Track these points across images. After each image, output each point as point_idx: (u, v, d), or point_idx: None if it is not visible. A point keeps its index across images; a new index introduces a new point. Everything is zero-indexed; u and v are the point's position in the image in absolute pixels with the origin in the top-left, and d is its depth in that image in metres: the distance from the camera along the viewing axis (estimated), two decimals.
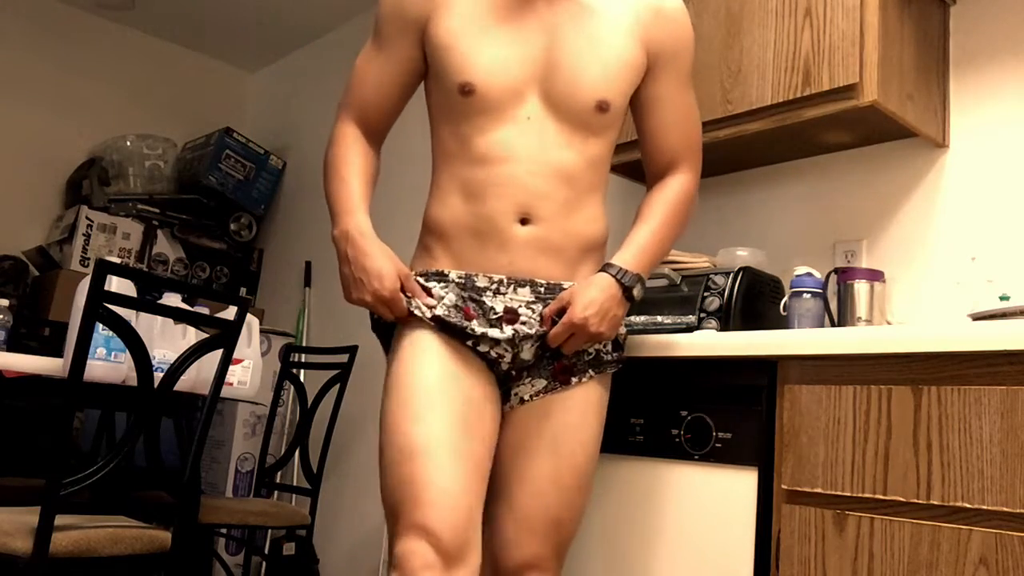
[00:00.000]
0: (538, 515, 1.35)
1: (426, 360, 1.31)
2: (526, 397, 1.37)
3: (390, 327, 1.41)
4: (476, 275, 1.35)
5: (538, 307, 1.36)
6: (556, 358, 1.37)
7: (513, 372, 1.36)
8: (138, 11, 3.89)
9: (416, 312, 1.33)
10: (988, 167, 1.77)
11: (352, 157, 1.43)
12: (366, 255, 1.32)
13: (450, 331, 1.33)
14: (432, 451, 1.24)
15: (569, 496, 1.36)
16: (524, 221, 1.35)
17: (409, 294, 1.34)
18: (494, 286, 1.35)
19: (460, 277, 1.35)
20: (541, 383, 1.37)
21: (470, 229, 1.35)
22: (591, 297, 1.32)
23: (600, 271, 1.37)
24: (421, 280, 1.37)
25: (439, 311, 1.33)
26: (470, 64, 1.34)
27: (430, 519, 1.20)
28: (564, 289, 1.37)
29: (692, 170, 1.49)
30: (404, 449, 1.25)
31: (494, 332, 1.32)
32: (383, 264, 1.32)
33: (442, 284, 1.35)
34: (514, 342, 1.33)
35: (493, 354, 1.34)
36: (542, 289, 1.36)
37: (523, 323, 1.34)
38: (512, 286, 1.35)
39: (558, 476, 1.35)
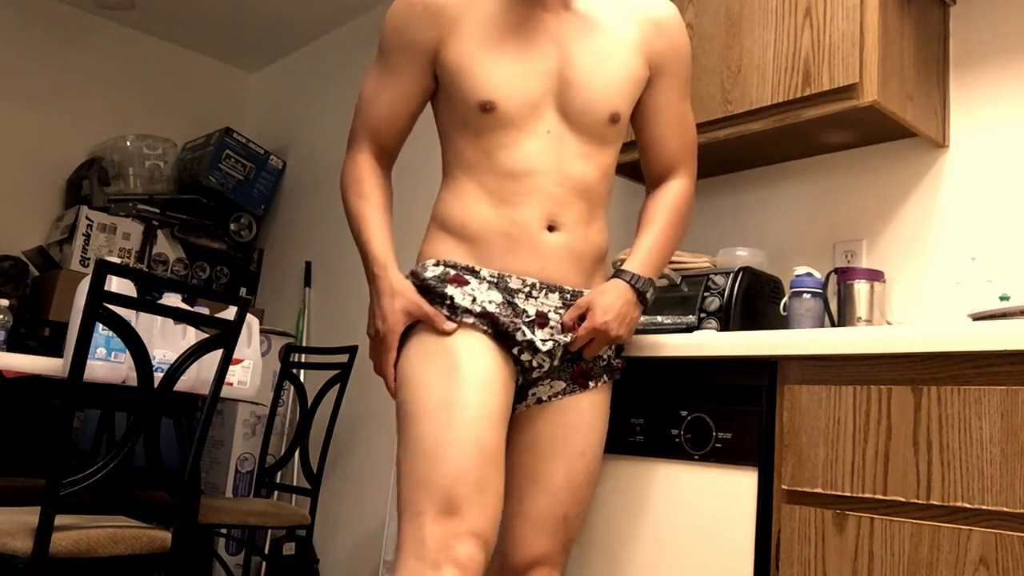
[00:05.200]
0: (550, 513, 1.38)
1: (487, 354, 1.30)
2: (544, 398, 1.40)
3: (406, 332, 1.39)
4: (509, 276, 1.36)
5: (563, 312, 1.39)
6: (575, 362, 1.41)
7: (537, 375, 1.38)
8: (138, 11, 3.89)
9: (463, 302, 1.32)
10: (988, 167, 1.77)
11: (368, 190, 1.43)
12: (379, 293, 1.36)
13: (496, 330, 1.32)
14: (500, 463, 1.25)
15: (579, 494, 1.40)
16: (551, 228, 1.38)
17: (429, 317, 1.32)
18: (527, 289, 1.37)
19: (492, 276, 1.36)
20: (560, 385, 1.40)
21: (502, 233, 1.36)
22: (609, 303, 1.37)
23: (613, 277, 1.42)
24: (451, 270, 1.36)
25: (491, 308, 1.32)
26: (489, 82, 1.35)
27: (489, 531, 1.21)
28: (582, 296, 1.41)
29: (690, 174, 1.54)
30: (484, 452, 1.22)
31: (539, 342, 1.34)
32: (388, 305, 1.34)
33: (477, 279, 1.36)
34: (552, 352, 1.36)
35: (535, 363, 1.35)
36: (568, 296, 1.40)
37: (551, 328, 1.37)
38: (544, 291, 1.38)
39: (571, 476, 1.39)
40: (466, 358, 1.29)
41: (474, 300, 1.32)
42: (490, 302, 1.33)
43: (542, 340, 1.35)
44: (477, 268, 1.36)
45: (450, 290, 1.33)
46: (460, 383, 1.26)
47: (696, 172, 1.56)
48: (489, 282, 1.35)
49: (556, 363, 1.38)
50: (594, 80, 1.40)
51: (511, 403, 1.34)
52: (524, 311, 1.35)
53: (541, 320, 1.37)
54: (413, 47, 1.41)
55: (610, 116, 1.41)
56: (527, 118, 1.37)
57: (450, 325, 1.31)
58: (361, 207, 1.41)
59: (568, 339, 1.37)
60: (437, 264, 1.38)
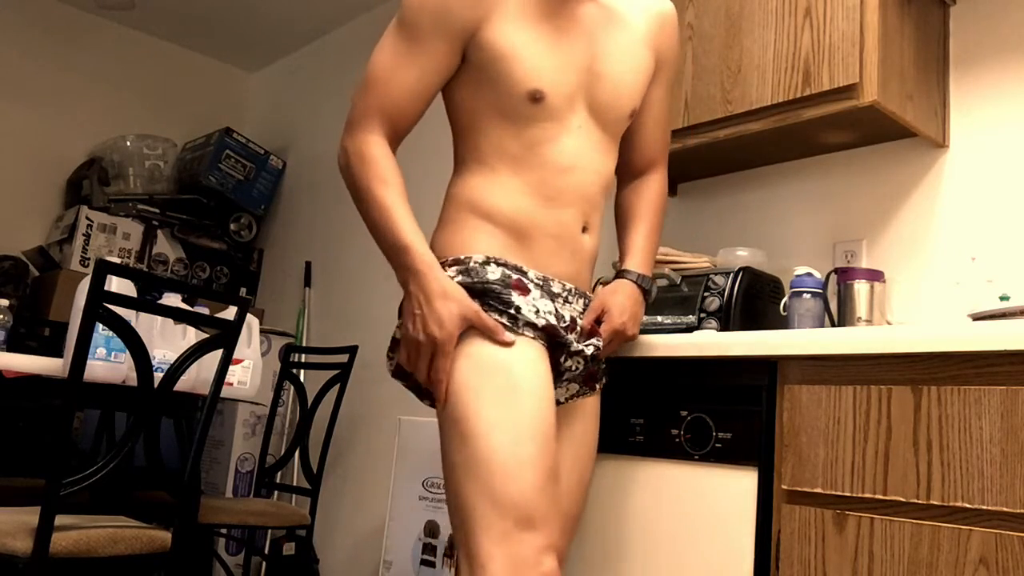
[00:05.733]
0: (562, 511, 1.38)
1: (544, 370, 1.27)
2: (561, 399, 1.40)
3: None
4: (552, 280, 1.35)
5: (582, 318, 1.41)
6: (588, 365, 1.41)
7: (564, 376, 1.39)
8: (138, 11, 3.89)
9: (529, 315, 1.27)
10: (988, 167, 1.77)
11: (389, 177, 1.31)
12: (430, 295, 1.25)
13: (552, 341, 1.31)
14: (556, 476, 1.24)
15: (583, 491, 1.43)
16: (584, 229, 1.38)
17: (489, 329, 1.25)
18: (564, 293, 1.37)
19: (539, 278, 1.34)
20: (574, 388, 1.41)
21: (548, 232, 1.34)
22: (623, 304, 1.40)
23: (619, 278, 1.44)
24: (511, 273, 1.30)
25: (552, 319, 1.30)
26: (537, 72, 1.31)
27: (558, 542, 1.23)
28: (592, 299, 1.43)
29: (666, 168, 1.59)
30: (553, 467, 1.21)
31: (585, 349, 1.35)
32: (444, 310, 1.24)
33: (532, 284, 1.32)
34: (587, 359, 1.36)
35: (573, 366, 1.35)
36: (586, 302, 1.42)
37: (577, 332, 1.38)
38: (576, 296, 1.39)
39: (580, 474, 1.41)
40: (526, 373, 1.25)
41: (537, 312, 1.29)
42: (549, 312, 1.31)
43: (585, 345, 1.35)
44: (525, 269, 1.33)
45: (516, 299, 1.28)
46: (524, 398, 1.22)
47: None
48: (537, 285, 1.33)
49: (587, 367, 1.38)
50: (622, 75, 1.39)
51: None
52: (562, 316, 1.35)
53: (572, 325, 1.37)
54: (449, 23, 1.30)
55: (631, 112, 1.43)
56: (565, 111, 1.34)
57: (509, 337, 1.25)
58: (383, 193, 1.29)
59: (601, 344, 1.38)
60: (488, 263, 1.30)
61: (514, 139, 1.33)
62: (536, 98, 1.31)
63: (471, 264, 1.30)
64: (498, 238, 1.32)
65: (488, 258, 1.31)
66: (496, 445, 1.18)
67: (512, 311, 1.27)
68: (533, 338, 1.28)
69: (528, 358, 1.26)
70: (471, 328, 1.25)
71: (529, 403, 1.22)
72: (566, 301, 1.37)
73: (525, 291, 1.29)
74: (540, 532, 1.16)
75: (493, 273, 1.29)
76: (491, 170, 1.34)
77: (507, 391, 1.22)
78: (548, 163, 1.33)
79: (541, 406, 1.23)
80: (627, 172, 1.57)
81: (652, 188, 1.54)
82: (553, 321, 1.30)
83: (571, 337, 1.36)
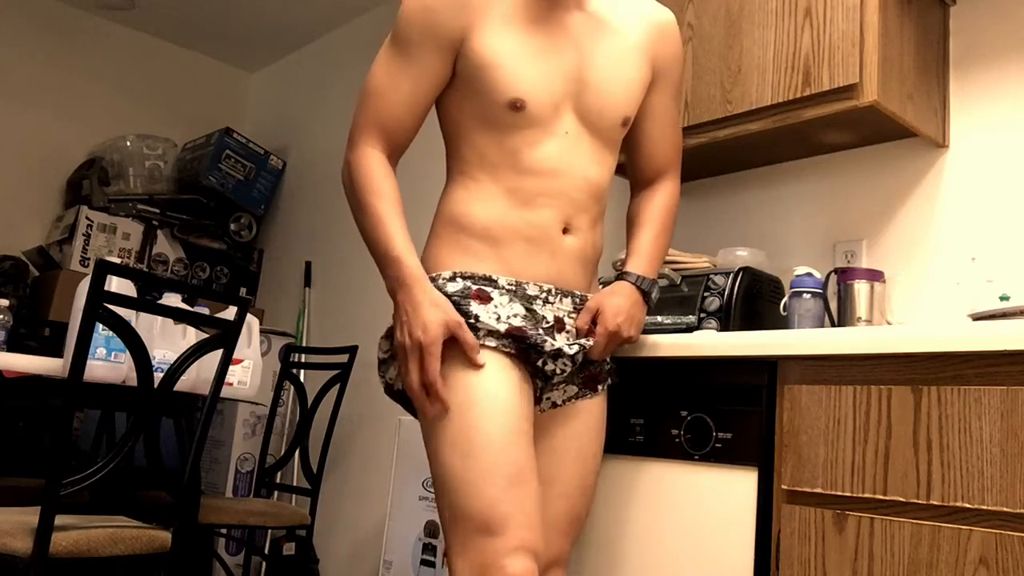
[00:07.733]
0: (565, 515, 1.39)
1: (506, 378, 1.28)
2: (559, 402, 1.41)
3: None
4: (527, 283, 1.35)
5: (575, 317, 1.40)
6: (586, 366, 1.41)
7: (556, 380, 1.39)
8: (138, 11, 3.89)
9: (489, 321, 1.29)
10: (988, 167, 1.77)
11: (385, 189, 1.34)
12: (416, 304, 1.27)
13: (519, 347, 1.31)
14: (532, 477, 1.25)
15: (589, 494, 1.43)
16: (566, 231, 1.38)
17: (468, 345, 1.27)
18: (543, 294, 1.37)
19: (510, 284, 1.34)
20: (573, 390, 1.41)
21: (521, 235, 1.35)
22: (619, 305, 1.39)
23: (618, 279, 1.44)
24: (472, 285, 1.32)
25: (516, 322, 1.31)
26: (519, 80, 1.33)
27: (537, 544, 1.23)
28: (588, 300, 1.42)
29: (678, 177, 1.59)
30: (514, 472, 1.22)
31: (566, 348, 1.34)
32: (429, 316, 1.26)
33: (497, 291, 1.33)
34: (575, 358, 1.36)
35: (558, 369, 1.35)
36: (578, 300, 1.41)
37: (568, 332, 1.38)
38: (559, 296, 1.39)
39: (584, 477, 1.41)
40: (488, 386, 1.26)
41: (499, 319, 1.30)
42: (514, 315, 1.31)
43: (568, 345, 1.35)
44: (495, 277, 1.34)
45: (474, 307, 1.29)
46: (482, 413, 1.24)
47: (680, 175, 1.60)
48: (508, 291, 1.34)
49: (576, 368, 1.38)
50: (611, 83, 1.40)
51: (532, 413, 1.32)
52: (544, 318, 1.35)
53: (558, 325, 1.37)
54: (438, 35, 1.34)
55: (623, 119, 1.43)
56: (550, 118, 1.36)
57: (482, 359, 1.27)
58: (377, 206, 1.33)
59: (590, 342, 1.37)
60: (454, 278, 1.33)
61: (496, 147, 1.36)
62: (517, 106, 1.33)
63: (439, 282, 1.33)
64: (471, 250, 1.35)
65: (455, 273, 1.34)
66: (452, 462, 1.23)
67: (471, 320, 1.29)
68: (496, 347, 1.29)
69: (491, 370, 1.27)
70: (447, 342, 1.27)
71: (488, 418, 1.24)
72: (546, 302, 1.37)
73: (486, 300, 1.31)
74: (502, 536, 1.18)
75: (453, 288, 1.32)
76: (473, 180, 1.37)
77: (466, 408, 1.25)
78: (526, 168, 1.35)
79: (503, 416, 1.24)
80: (637, 181, 1.58)
81: (661, 195, 1.54)
82: (520, 323, 1.31)
83: (560, 337, 1.36)
